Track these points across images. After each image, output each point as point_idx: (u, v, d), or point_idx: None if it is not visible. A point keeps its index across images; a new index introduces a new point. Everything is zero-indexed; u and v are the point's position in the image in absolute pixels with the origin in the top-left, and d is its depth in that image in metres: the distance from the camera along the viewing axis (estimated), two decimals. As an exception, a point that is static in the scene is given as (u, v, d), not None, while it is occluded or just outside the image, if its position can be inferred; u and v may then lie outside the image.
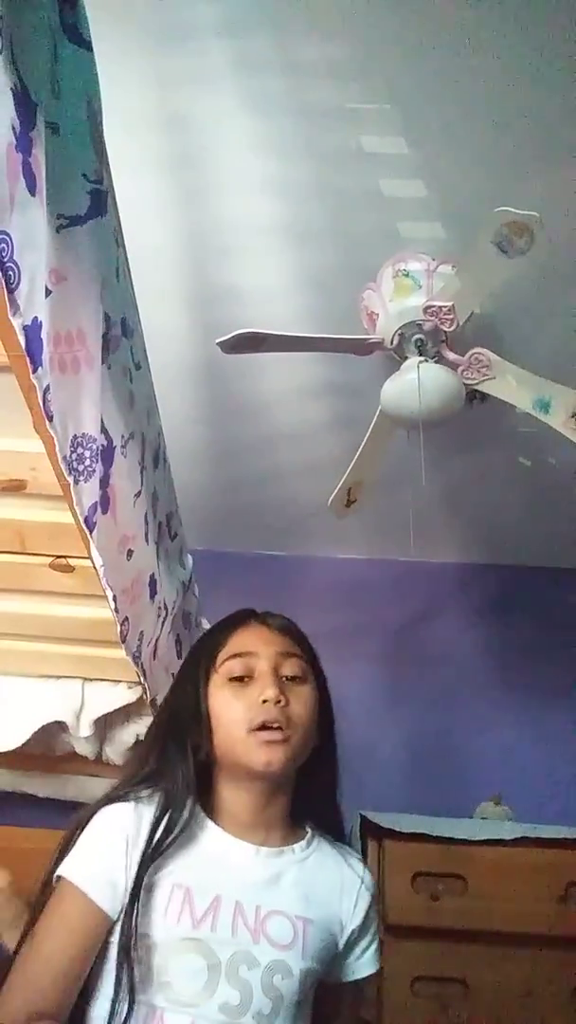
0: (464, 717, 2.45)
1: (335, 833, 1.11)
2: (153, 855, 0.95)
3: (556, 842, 1.92)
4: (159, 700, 1.50)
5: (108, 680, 1.72)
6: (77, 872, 0.95)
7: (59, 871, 0.96)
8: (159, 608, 1.36)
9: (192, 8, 1.45)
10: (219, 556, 2.53)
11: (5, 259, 0.67)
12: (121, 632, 1.21)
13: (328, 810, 1.11)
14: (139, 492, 1.11)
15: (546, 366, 1.78)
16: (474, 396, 1.87)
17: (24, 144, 0.67)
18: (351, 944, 1.04)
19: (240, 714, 1.00)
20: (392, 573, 2.72)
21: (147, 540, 1.21)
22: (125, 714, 1.79)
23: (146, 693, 1.50)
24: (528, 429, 2.13)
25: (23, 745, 1.72)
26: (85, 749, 1.82)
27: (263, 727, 0.99)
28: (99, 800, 1.02)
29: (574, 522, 2.50)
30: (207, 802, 1.03)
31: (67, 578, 1.41)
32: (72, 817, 1.03)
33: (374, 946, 1.07)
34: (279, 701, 0.99)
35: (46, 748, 1.85)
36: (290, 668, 1.05)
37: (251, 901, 0.97)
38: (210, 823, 1.01)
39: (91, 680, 1.73)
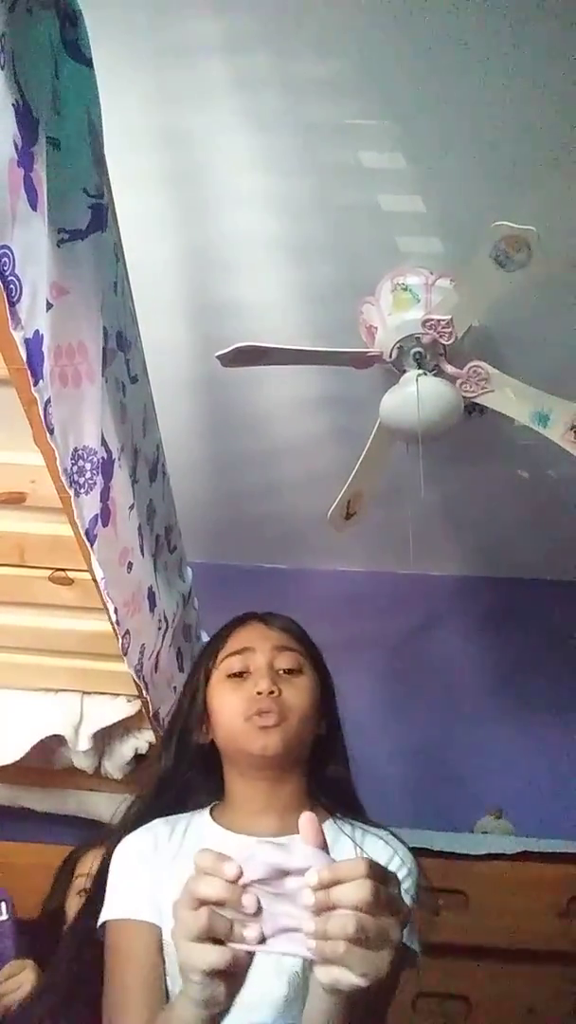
0: (464, 730, 2.44)
1: (360, 816, 1.08)
2: (169, 865, 0.97)
3: (558, 856, 1.91)
4: (161, 713, 1.50)
5: (107, 694, 1.71)
6: (114, 909, 0.97)
7: (101, 919, 0.97)
8: (159, 621, 1.36)
9: (192, 26, 1.46)
10: (219, 568, 2.53)
11: (7, 273, 0.68)
12: (122, 645, 1.21)
13: (346, 798, 1.10)
14: (132, 505, 1.12)
15: (545, 379, 1.79)
16: (473, 409, 1.87)
17: (26, 159, 0.67)
18: None
19: (236, 706, 1.04)
20: (391, 586, 2.71)
21: (143, 553, 1.21)
22: (124, 728, 1.79)
23: (147, 706, 1.49)
24: (527, 442, 2.13)
25: (21, 759, 1.72)
26: (84, 763, 1.81)
27: (258, 714, 1.02)
28: (111, 837, 1.06)
29: (574, 534, 2.50)
30: (220, 798, 1.07)
31: (66, 591, 1.40)
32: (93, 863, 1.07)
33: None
34: (272, 692, 1.03)
35: (45, 762, 1.84)
36: (285, 661, 1.08)
37: None
38: (218, 827, 1.02)
39: (90, 693, 1.72)
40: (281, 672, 1.07)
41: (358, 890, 0.59)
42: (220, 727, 1.06)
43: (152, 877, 0.98)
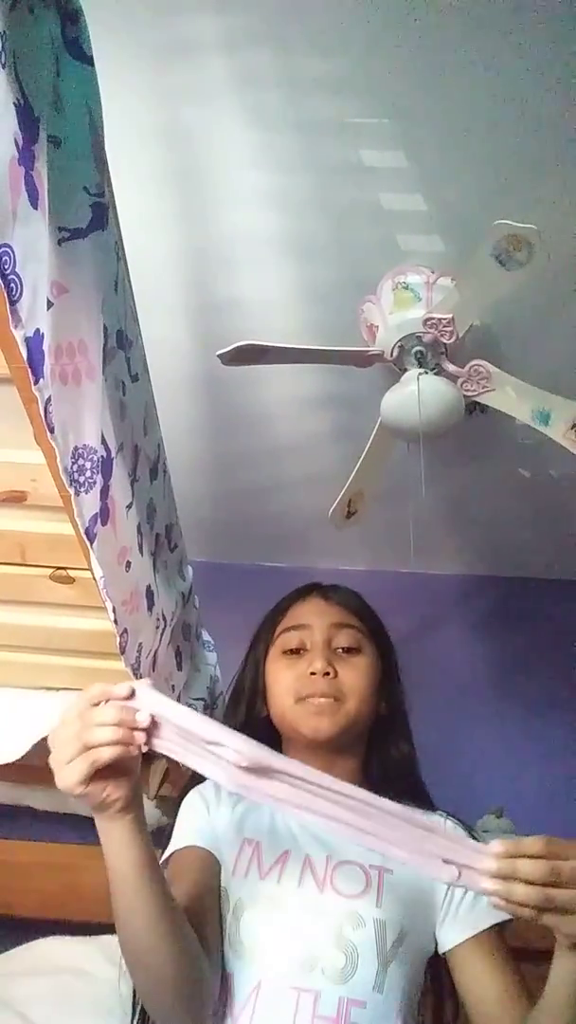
0: (465, 729, 2.44)
1: (420, 802, 1.06)
2: (228, 813, 0.99)
3: (558, 856, 1.91)
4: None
5: (108, 692, 1.71)
6: (175, 843, 0.99)
7: (164, 856, 0.98)
8: (157, 619, 1.36)
9: (193, 24, 1.46)
10: (220, 567, 2.53)
11: (7, 271, 0.68)
12: (120, 644, 1.21)
13: (408, 780, 1.09)
14: (131, 504, 1.12)
15: (546, 378, 1.79)
16: (474, 408, 1.87)
17: (27, 158, 0.67)
18: (446, 906, 0.97)
19: (289, 685, 1.03)
20: (392, 585, 2.71)
21: (141, 552, 1.21)
22: (125, 727, 1.79)
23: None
24: (528, 441, 2.14)
25: (23, 758, 1.71)
26: (85, 762, 1.81)
27: (312, 696, 1.00)
28: (183, 789, 1.07)
29: (575, 533, 2.50)
30: None
31: (67, 589, 1.40)
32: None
33: (476, 904, 0.96)
34: (327, 673, 1.01)
35: (46, 761, 1.84)
36: (343, 639, 1.06)
37: (320, 853, 0.95)
38: None
39: (91, 692, 1.72)
40: (339, 651, 1.04)
41: (539, 866, 0.67)
42: (274, 704, 1.05)
43: (212, 815, 0.99)
